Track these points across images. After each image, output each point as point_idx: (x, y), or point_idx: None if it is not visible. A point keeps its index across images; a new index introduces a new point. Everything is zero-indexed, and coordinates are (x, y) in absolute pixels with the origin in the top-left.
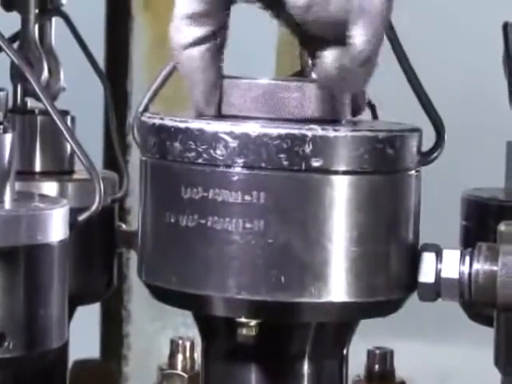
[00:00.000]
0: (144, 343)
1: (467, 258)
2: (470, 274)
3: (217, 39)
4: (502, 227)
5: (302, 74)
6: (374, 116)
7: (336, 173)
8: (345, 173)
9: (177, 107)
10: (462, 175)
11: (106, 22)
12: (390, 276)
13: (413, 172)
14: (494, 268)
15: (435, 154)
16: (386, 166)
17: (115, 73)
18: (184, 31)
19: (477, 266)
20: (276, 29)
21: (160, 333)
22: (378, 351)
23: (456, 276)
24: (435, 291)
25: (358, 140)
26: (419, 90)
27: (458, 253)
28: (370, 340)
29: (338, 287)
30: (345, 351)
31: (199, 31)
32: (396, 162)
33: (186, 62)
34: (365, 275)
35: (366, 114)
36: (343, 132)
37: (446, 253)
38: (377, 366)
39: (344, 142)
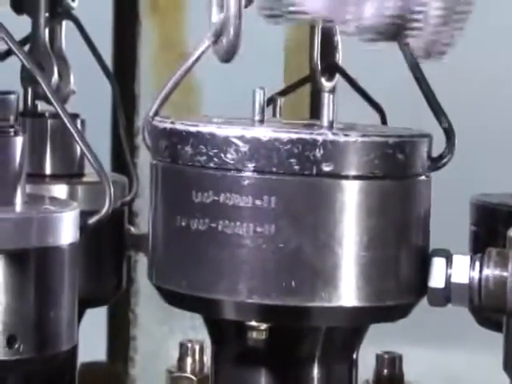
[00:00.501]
0: (151, 346)
1: (477, 264)
2: (479, 280)
3: None
4: (511, 233)
5: (310, 79)
6: (384, 121)
7: (346, 178)
8: (355, 178)
9: (184, 113)
10: (471, 180)
11: (113, 24)
12: (400, 281)
13: (423, 177)
14: (504, 274)
15: (445, 160)
16: (396, 171)
17: (123, 76)
18: None
19: (487, 271)
20: (284, 31)
21: (167, 336)
22: (386, 356)
23: (466, 281)
24: (445, 296)
25: (369, 145)
26: (429, 96)
27: (467, 258)
28: (380, 344)
29: (348, 292)
30: (354, 355)
31: None
32: (406, 168)
33: None
34: (375, 280)
35: (375, 120)
36: (354, 137)
37: (455, 258)
38: (385, 371)
39: (354, 147)
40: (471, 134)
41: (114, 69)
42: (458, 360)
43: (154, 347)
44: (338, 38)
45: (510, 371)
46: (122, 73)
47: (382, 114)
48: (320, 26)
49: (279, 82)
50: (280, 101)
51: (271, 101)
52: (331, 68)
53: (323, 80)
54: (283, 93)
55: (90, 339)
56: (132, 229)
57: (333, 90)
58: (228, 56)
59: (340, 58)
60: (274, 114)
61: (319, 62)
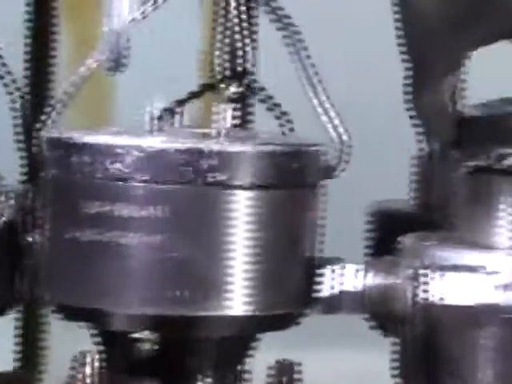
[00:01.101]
0: (63, 354)
1: (367, 272)
2: (370, 287)
3: None
4: (404, 240)
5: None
6: (290, 129)
7: (238, 187)
8: (247, 187)
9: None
10: (369, 187)
11: (27, 23)
12: (291, 289)
13: (316, 186)
14: (390, 281)
15: (339, 169)
16: (289, 180)
17: (38, 76)
18: None
19: (374, 279)
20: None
21: (79, 343)
22: (283, 362)
23: (356, 289)
24: (336, 304)
25: (262, 154)
26: (324, 105)
27: (358, 266)
28: (288, 349)
29: (238, 301)
30: (245, 364)
31: None
32: (300, 177)
33: None
34: (266, 289)
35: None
36: (245, 146)
37: (346, 266)
38: (284, 379)
39: (247, 156)
40: (367, 141)
41: (28, 69)
42: (369, 361)
43: (66, 355)
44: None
45: (402, 377)
46: (38, 73)
47: (289, 120)
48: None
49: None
50: (185, 108)
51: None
52: (237, 75)
53: (228, 87)
54: (183, 101)
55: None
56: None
57: (236, 99)
58: (115, 68)
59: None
60: (181, 122)
61: (221, 69)
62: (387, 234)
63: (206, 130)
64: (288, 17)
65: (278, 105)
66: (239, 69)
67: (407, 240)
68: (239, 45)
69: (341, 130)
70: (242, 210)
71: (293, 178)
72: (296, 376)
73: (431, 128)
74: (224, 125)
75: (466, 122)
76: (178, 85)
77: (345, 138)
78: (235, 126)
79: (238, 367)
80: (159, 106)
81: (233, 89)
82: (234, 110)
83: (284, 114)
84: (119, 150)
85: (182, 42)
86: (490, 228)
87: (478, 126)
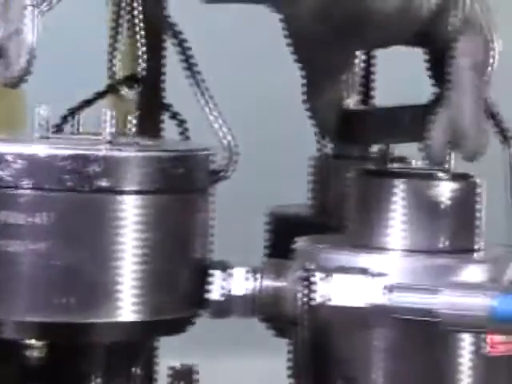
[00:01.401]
0: None
1: (256, 274)
2: (259, 290)
3: None
4: (298, 243)
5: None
6: (183, 134)
7: (124, 193)
8: (133, 192)
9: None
10: (269, 191)
11: None
12: (180, 294)
13: (205, 190)
14: (280, 284)
15: (228, 173)
16: (175, 185)
17: None
18: None
19: (265, 281)
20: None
21: None
22: (180, 367)
23: (245, 292)
24: (225, 308)
25: (147, 160)
26: (211, 109)
27: (247, 269)
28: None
29: (127, 307)
30: (137, 368)
31: None
32: (185, 182)
33: None
34: (153, 294)
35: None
36: (131, 152)
37: (234, 270)
38: (180, 382)
39: (132, 162)
40: (264, 145)
41: None
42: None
43: None
44: (144, 49)
45: (296, 379)
46: None
47: (184, 127)
48: (125, 34)
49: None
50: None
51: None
52: (133, 79)
53: (126, 91)
54: (88, 102)
55: None
56: None
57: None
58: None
59: (143, 68)
60: (77, 128)
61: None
62: (284, 238)
63: (96, 137)
64: (181, 33)
65: (177, 113)
66: (137, 72)
67: (301, 243)
68: (136, 49)
69: (228, 135)
70: (128, 216)
71: (179, 182)
72: (194, 381)
73: (325, 125)
74: (111, 131)
75: (357, 117)
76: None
77: (232, 143)
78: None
79: (131, 371)
80: (46, 112)
81: (131, 91)
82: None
83: (182, 122)
84: (5, 158)
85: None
86: (381, 230)
87: (367, 120)
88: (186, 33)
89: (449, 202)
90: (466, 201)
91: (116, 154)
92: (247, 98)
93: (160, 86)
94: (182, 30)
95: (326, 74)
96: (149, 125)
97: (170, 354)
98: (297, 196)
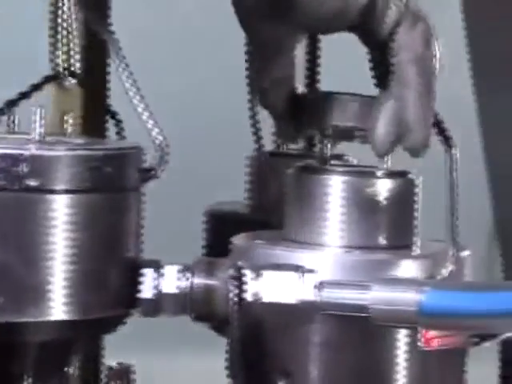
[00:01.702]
0: None
1: (187, 273)
2: (189, 289)
3: None
4: (234, 240)
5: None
6: (119, 132)
7: (54, 192)
8: (63, 192)
9: None
10: (206, 189)
11: None
12: (111, 293)
13: (134, 189)
14: (212, 282)
15: (158, 172)
16: (104, 184)
17: None
18: None
19: (196, 280)
20: None
21: None
22: (116, 366)
23: (176, 291)
24: (156, 306)
25: (75, 159)
26: (144, 109)
27: (178, 268)
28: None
29: (57, 306)
30: (69, 368)
31: None
32: (115, 180)
33: None
34: (84, 293)
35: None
36: (60, 151)
37: (165, 268)
38: (117, 382)
39: (61, 160)
40: (202, 143)
41: None
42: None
43: None
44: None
45: (234, 377)
46: None
47: (117, 121)
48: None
49: None
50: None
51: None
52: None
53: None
54: (17, 100)
55: None
56: None
57: None
58: None
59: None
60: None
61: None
62: (222, 236)
63: (26, 136)
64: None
65: (115, 113)
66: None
67: (237, 240)
68: (71, 42)
69: (159, 134)
70: (58, 215)
71: (110, 181)
72: (131, 381)
73: (274, 105)
74: (40, 130)
75: (301, 99)
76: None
77: (163, 142)
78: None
79: (65, 371)
80: None
81: (71, 83)
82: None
83: (119, 121)
84: None
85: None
86: (317, 227)
87: (316, 104)
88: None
89: (385, 199)
90: (402, 198)
91: (44, 153)
92: (184, 95)
93: (104, 85)
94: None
95: (274, 50)
96: (92, 125)
97: (109, 353)
98: (234, 194)
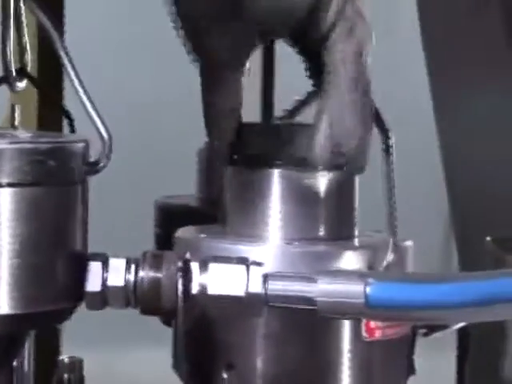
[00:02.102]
0: None
1: (132, 266)
2: (135, 282)
3: None
4: (177, 233)
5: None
6: (71, 128)
7: None
8: (5, 185)
9: None
10: (157, 183)
11: None
12: (57, 286)
13: (79, 183)
14: (158, 275)
15: (102, 164)
16: (48, 177)
17: None
18: None
19: (142, 273)
20: None
21: None
22: (67, 360)
23: (121, 284)
24: (102, 300)
25: (18, 152)
26: (84, 98)
27: (123, 261)
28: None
29: (1, 300)
30: (15, 363)
31: None
32: (59, 174)
33: None
34: (29, 286)
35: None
36: (3, 144)
37: (111, 261)
38: (65, 376)
39: (4, 154)
40: (148, 137)
41: None
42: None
43: None
44: (26, 39)
45: (179, 370)
46: None
47: (70, 119)
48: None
49: None
50: None
51: None
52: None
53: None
54: None
55: None
56: None
57: None
58: None
59: (29, 61)
60: None
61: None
62: (171, 229)
63: None
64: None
65: (66, 111)
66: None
67: (182, 233)
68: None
69: (102, 128)
70: (2, 209)
71: (54, 174)
72: (77, 373)
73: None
74: None
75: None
76: None
77: (105, 135)
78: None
79: (10, 365)
80: None
81: (20, 83)
82: None
83: (68, 115)
84: None
85: None
86: (260, 220)
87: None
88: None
89: (326, 191)
90: (343, 189)
91: None
92: (137, 89)
93: (59, 85)
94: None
95: (222, 74)
96: (49, 120)
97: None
98: (184, 188)
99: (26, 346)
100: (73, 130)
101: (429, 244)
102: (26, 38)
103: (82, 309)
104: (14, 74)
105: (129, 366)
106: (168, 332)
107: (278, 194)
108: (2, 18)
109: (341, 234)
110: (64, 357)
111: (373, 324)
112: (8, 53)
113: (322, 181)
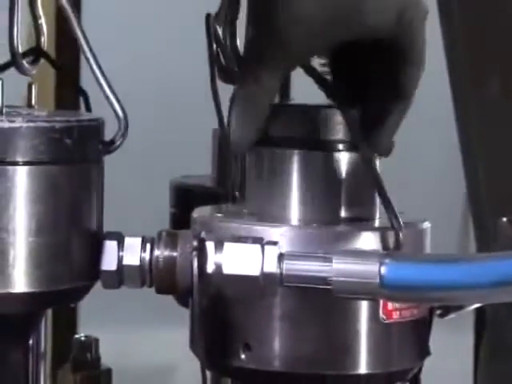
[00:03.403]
0: None
1: (148, 245)
2: (150, 261)
3: None
4: (194, 214)
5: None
6: (87, 107)
7: (13, 163)
8: (22, 163)
9: None
10: (172, 162)
11: None
12: (73, 265)
13: (95, 161)
14: (173, 254)
15: (117, 143)
16: (64, 156)
17: None
18: None
19: (157, 252)
20: None
21: None
22: (83, 339)
23: (137, 263)
24: (118, 279)
25: (34, 131)
26: (100, 77)
27: (139, 240)
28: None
29: (18, 278)
30: (30, 341)
31: None
32: (75, 152)
33: None
34: (46, 265)
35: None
36: (18, 123)
37: (127, 240)
38: (82, 355)
39: (19, 132)
40: (164, 117)
41: None
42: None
43: None
44: (42, 20)
45: (196, 349)
46: None
47: (86, 97)
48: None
49: None
50: None
51: None
52: (35, 52)
53: (26, 64)
54: None
55: None
56: None
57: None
58: None
59: (45, 42)
60: None
61: (19, 45)
62: (187, 209)
63: None
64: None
65: (82, 90)
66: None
67: (198, 212)
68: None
69: (117, 107)
70: (18, 187)
71: (70, 153)
72: (94, 352)
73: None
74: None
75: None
76: None
77: (120, 114)
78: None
79: (26, 343)
80: None
81: (32, 66)
82: None
83: (85, 95)
84: None
85: None
86: (277, 201)
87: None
88: None
89: (345, 172)
90: (363, 170)
91: (3, 124)
92: (153, 68)
93: (76, 61)
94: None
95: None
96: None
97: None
98: (200, 168)
99: (42, 324)
100: (88, 109)
101: (447, 225)
102: (43, 20)
103: (99, 289)
104: (21, 56)
105: (146, 347)
106: (185, 313)
107: (297, 175)
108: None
109: (360, 215)
110: (79, 335)
111: (390, 306)
112: (15, 35)
113: (342, 162)
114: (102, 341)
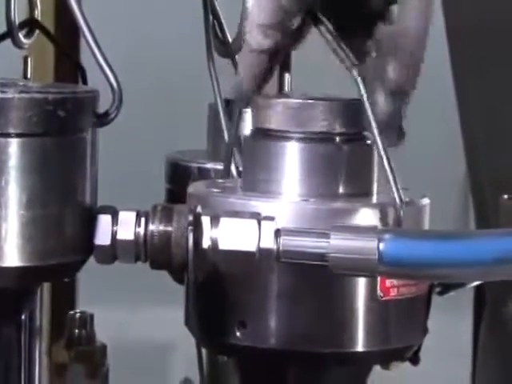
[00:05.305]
0: None
1: (142, 220)
2: (145, 235)
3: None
4: (190, 189)
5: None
6: (84, 81)
7: (5, 135)
8: (14, 135)
9: None
10: (167, 138)
11: None
12: (65, 239)
13: (88, 134)
14: (169, 229)
15: (112, 116)
16: (57, 128)
17: None
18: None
19: (152, 226)
20: None
21: None
22: (78, 315)
23: (131, 237)
24: (111, 253)
25: (27, 102)
26: (94, 49)
27: (133, 214)
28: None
29: (10, 252)
30: (23, 316)
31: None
32: (68, 124)
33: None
34: (37, 239)
35: None
36: (10, 94)
37: (121, 214)
38: (77, 331)
39: (12, 104)
40: (157, 91)
41: None
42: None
43: None
44: None
45: (191, 327)
46: None
47: (82, 71)
48: None
49: None
50: None
51: None
52: (29, 23)
53: (21, 36)
54: None
55: None
56: None
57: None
58: None
59: (39, 14)
60: None
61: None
62: (181, 184)
63: None
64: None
65: (77, 62)
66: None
67: (194, 187)
68: None
69: (112, 78)
70: (10, 159)
71: (63, 125)
72: (88, 328)
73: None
74: None
75: None
76: None
77: (115, 85)
78: None
79: (19, 319)
80: None
81: (28, 39)
82: None
83: (82, 69)
84: None
85: None
86: (274, 177)
87: None
88: None
89: (341, 149)
90: (359, 148)
91: None
92: (150, 42)
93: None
94: None
95: None
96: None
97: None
98: (194, 143)
99: (36, 299)
100: (85, 82)
101: (446, 202)
102: None
103: (94, 266)
104: (17, 28)
105: (141, 324)
106: (182, 290)
107: (294, 151)
108: None
109: (358, 190)
110: (74, 311)
111: (388, 283)
112: (12, 7)
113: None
114: (99, 317)
